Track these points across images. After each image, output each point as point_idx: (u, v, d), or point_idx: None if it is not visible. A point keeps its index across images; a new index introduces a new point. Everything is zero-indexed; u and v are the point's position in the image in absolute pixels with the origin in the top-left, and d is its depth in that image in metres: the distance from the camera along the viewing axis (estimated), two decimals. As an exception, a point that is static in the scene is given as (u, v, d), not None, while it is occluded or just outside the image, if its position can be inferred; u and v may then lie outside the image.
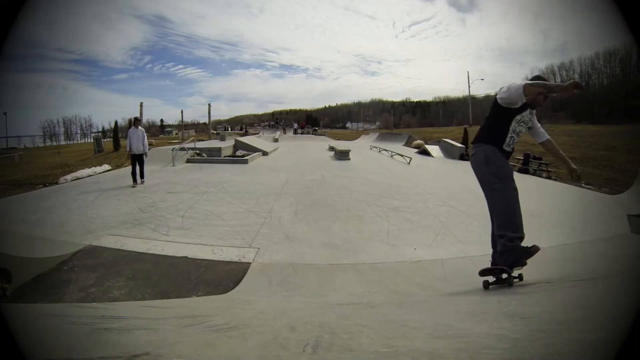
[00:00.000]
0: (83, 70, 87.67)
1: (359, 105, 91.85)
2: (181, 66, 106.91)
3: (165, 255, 4.60)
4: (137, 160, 9.56)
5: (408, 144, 26.45)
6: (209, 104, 31.74)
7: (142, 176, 9.61)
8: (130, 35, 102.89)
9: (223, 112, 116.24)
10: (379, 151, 20.05)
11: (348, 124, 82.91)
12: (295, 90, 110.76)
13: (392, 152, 18.26)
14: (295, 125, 61.56)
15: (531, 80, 3.06)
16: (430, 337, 1.40)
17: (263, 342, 1.27)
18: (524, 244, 3.13)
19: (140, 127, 9.96)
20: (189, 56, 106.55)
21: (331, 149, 20.05)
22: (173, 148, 14.83)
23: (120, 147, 18.09)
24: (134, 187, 9.10)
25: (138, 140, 9.66)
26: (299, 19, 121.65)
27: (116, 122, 20.37)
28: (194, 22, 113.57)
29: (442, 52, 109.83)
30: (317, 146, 25.40)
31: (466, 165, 15.24)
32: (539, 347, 1.24)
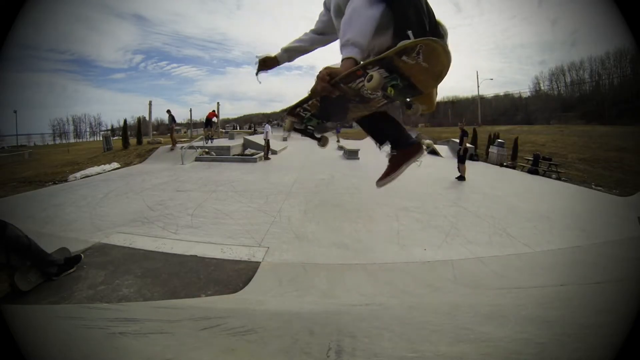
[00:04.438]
0: (80, 70, 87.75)
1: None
2: (175, 65, 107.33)
3: (174, 254, 4.59)
4: None
5: (417, 143, 26.29)
6: (218, 103, 31.70)
7: None
8: (116, 35, 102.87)
9: (228, 110, 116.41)
10: (388, 151, 19.89)
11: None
12: (294, 89, 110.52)
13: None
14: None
15: None
16: (453, 340, 1.36)
17: (284, 347, 1.23)
18: None
19: None
20: (179, 55, 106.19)
21: (340, 148, 19.99)
22: (182, 147, 14.88)
23: (130, 145, 18.13)
24: None
25: None
26: (276, 12, 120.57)
27: (125, 121, 20.34)
28: (173, 21, 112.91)
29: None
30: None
31: (475, 166, 15.00)
32: (567, 353, 1.19)
